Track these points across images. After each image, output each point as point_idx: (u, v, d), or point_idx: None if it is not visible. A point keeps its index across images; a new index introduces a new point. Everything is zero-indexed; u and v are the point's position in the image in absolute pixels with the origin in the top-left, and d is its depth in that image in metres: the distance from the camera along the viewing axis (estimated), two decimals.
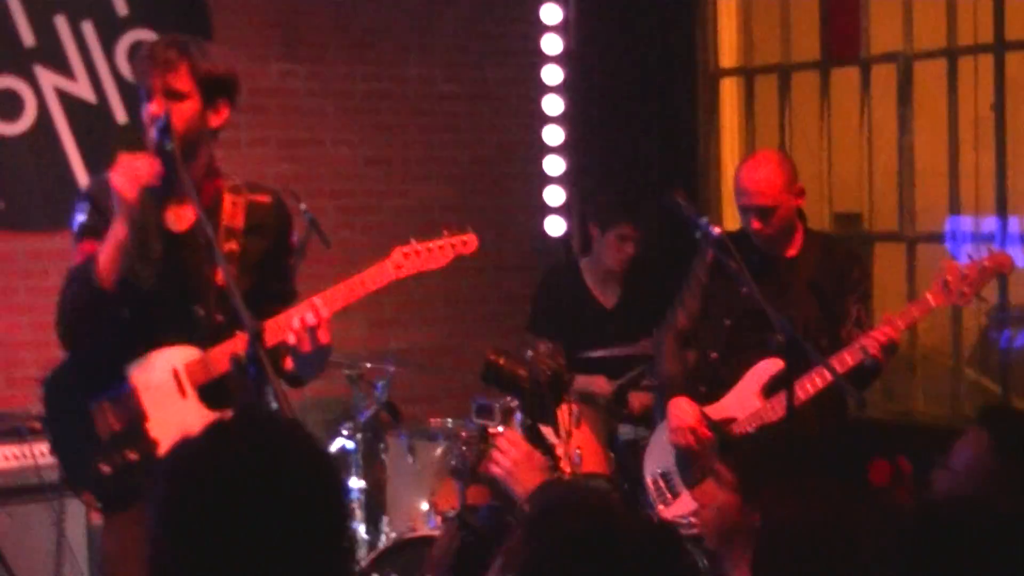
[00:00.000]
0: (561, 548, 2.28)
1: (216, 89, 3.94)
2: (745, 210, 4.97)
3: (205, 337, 3.97)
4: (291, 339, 3.82)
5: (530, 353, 5.63)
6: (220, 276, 3.81)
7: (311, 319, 3.81)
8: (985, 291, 4.85)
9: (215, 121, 3.97)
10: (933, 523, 2.31)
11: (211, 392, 3.96)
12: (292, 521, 2.04)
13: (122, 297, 3.98)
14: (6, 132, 6.27)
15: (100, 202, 3.99)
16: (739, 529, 3.53)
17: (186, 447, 2.10)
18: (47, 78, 6.36)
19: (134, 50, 6.34)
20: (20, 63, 6.31)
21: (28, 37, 6.32)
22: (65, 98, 6.40)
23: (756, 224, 4.92)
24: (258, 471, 2.06)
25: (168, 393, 3.96)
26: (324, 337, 3.83)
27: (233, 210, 4.02)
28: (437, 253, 4.11)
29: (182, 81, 3.89)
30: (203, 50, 3.99)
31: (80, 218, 4.03)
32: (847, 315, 4.92)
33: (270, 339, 3.75)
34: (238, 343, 3.78)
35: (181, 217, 3.98)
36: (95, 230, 3.99)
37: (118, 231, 3.81)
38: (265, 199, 4.10)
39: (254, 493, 2.04)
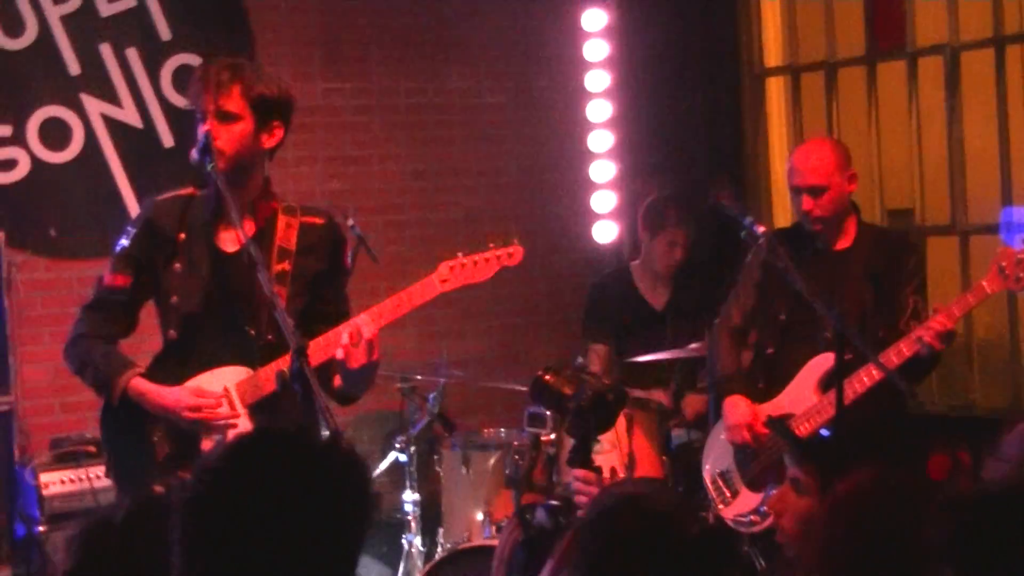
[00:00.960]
0: (613, 551, 2.27)
1: (270, 111, 3.96)
2: (797, 190, 4.94)
3: (256, 356, 4.00)
4: (339, 354, 3.82)
5: (580, 360, 5.63)
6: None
7: (362, 334, 3.81)
8: None
9: (269, 142, 3.98)
10: (988, 511, 2.29)
11: (263, 410, 3.98)
12: (301, 539, 2.02)
13: (168, 321, 4.02)
14: (55, 160, 6.33)
15: (157, 224, 4.03)
16: None
17: (205, 462, 2.11)
18: (93, 105, 6.42)
19: (181, 74, 6.39)
20: (67, 92, 6.37)
21: (74, 66, 6.38)
22: (112, 124, 6.45)
23: (807, 204, 4.89)
24: (268, 489, 2.04)
25: None
26: (372, 353, 3.84)
27: (286, 231, 4.03)
28: (483, 266, 4.10)
29: (234, 103, 3.91)
30: (258, 72, 4.02)
31: (123, 242, 4.07)
32: (905, 307, 4.87)
33: (319, 356, 3.77)
34: (286, 361, 3.81)
35: (232, 238, 4.00)
36: (134, 261, 4.03)
37: (157, 409, 3.96)
38: (318, 221, 4.11)
39: (260, 510, 2.02)
